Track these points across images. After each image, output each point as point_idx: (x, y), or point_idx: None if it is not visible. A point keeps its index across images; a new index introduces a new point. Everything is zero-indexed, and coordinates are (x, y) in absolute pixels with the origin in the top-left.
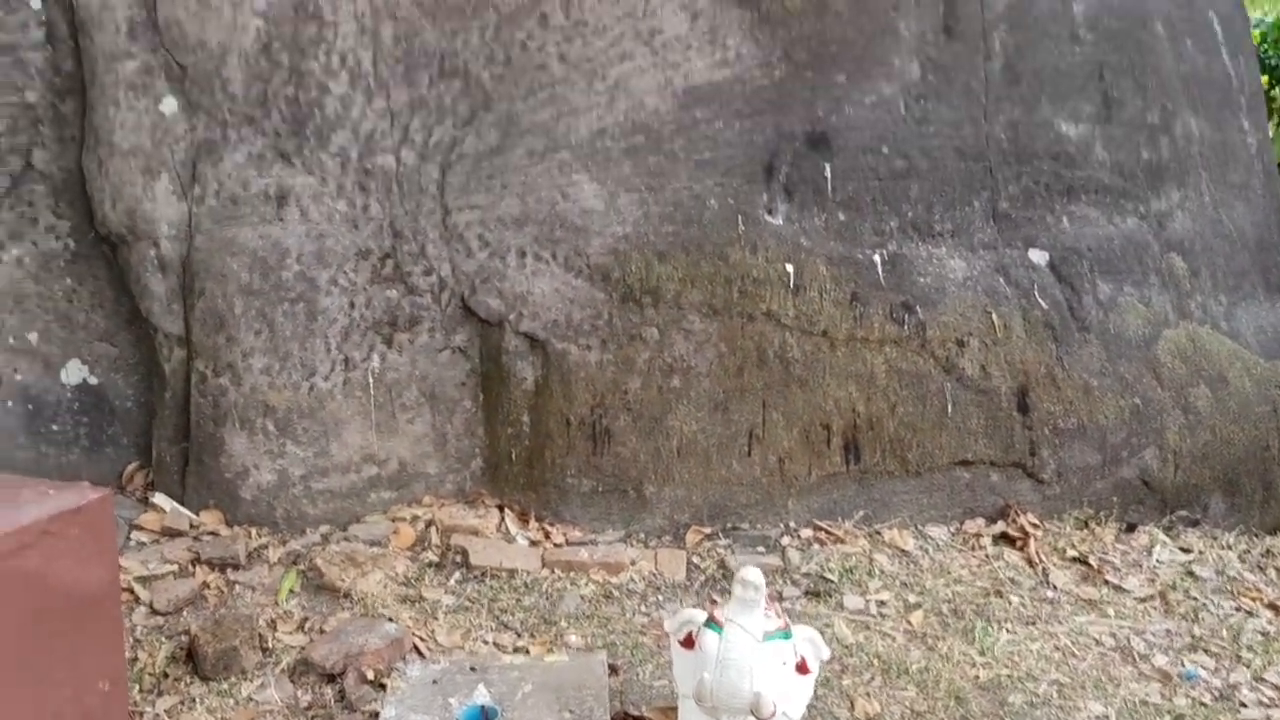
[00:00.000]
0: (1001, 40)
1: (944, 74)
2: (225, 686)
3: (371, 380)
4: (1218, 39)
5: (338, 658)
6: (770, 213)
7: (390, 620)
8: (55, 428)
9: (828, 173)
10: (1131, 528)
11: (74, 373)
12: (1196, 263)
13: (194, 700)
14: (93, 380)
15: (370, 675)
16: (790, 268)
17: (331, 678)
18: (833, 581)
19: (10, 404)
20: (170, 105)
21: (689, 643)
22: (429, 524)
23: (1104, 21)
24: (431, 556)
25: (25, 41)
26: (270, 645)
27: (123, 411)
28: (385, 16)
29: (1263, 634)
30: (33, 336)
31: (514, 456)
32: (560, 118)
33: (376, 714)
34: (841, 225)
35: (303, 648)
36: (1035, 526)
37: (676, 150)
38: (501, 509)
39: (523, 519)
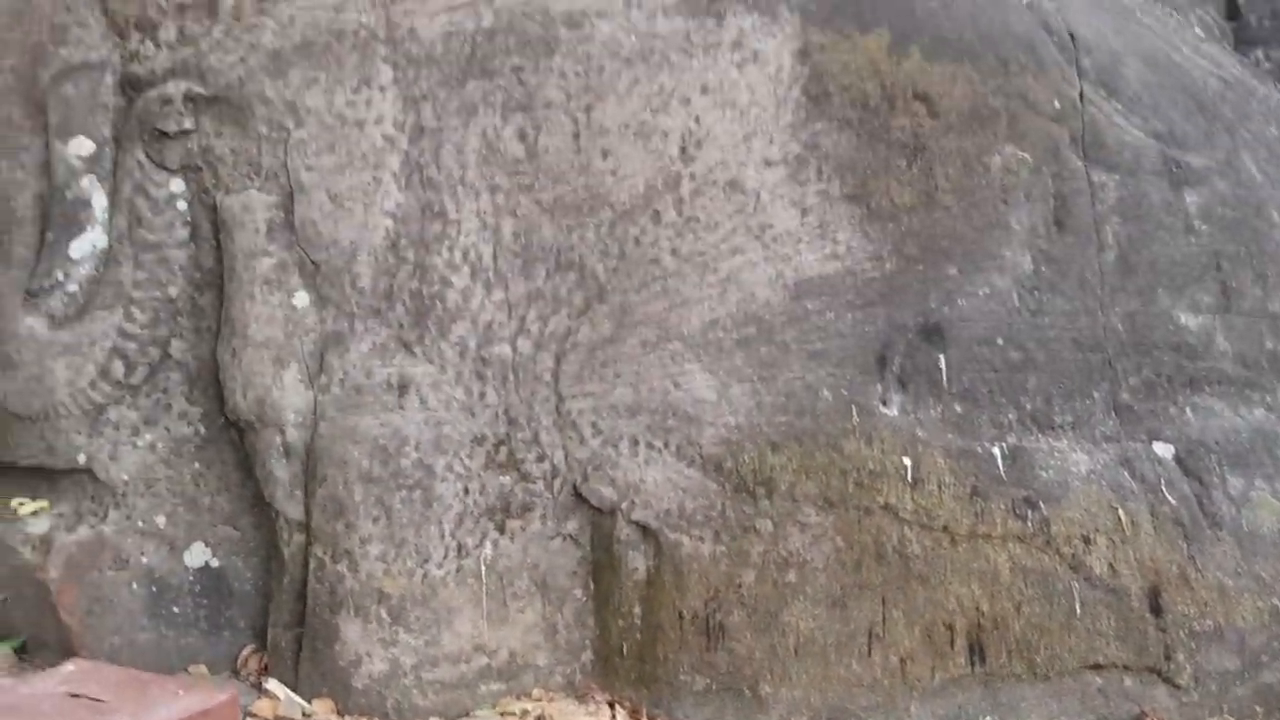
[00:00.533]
0: (1114, 232)
1: (1057, 266)
2: None
3: (484, 568)
4: None
5: None
6: (885, 404)
7: None
8: (176, 610)
9: (942, 364)
10: None
11: (197, 555)
12: None
13: None
14: (215, 563)
15: None
16: (907, 460)
17: None
18: None
19: (135, 585)
20: (302, 299)
21: None
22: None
23: (1217, 211)
24: None
25: (170, 240)
26: None
27: (241, 595)
28: (506, 214)
29: None
30: (160, 520)
31: (625, 650)
32: (673, 309)
33: None
34: (959, 417)
35: None
36: None
37: (788, 341)
38: (612, 705)
39: (634, 716)
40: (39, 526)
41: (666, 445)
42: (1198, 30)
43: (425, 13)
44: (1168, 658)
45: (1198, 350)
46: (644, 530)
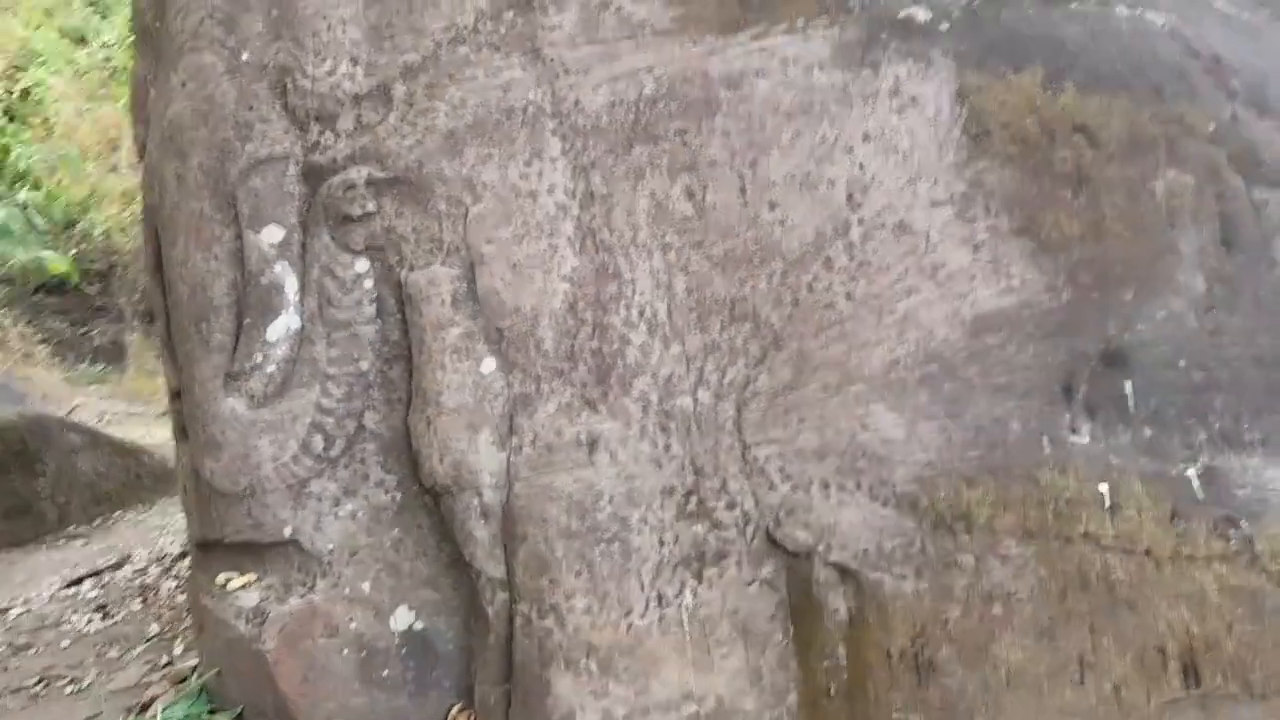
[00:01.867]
0: None
1: (1229, 285)
2: None
3: (685, 616)
4: None
5: None
6: (1075, 432)
7: None
8: (385, 673)
9: (1128, 390)
10: None
11: (401, 619)
12: None
13: None
14: (418, 626)
15: None
16: (1104, 487)
17: None
18: None
19: (346, 652)
20: (489, 365)
21: None
22: None
23: None
24: None
25: (359, 317)
26: None
27: (445, 655)
28: (678, 270)
29: None
30: (365, 586)
31: (832, 690)
32: (852, 351)
33: None
34: (1149, 441)
35: None
36: None
37: (972, 376)
38: None
39: None
40: (249, 600)
41: (859, 486)
42: None
43: (589, 85)
44: None
45: None
46: (843, 571)
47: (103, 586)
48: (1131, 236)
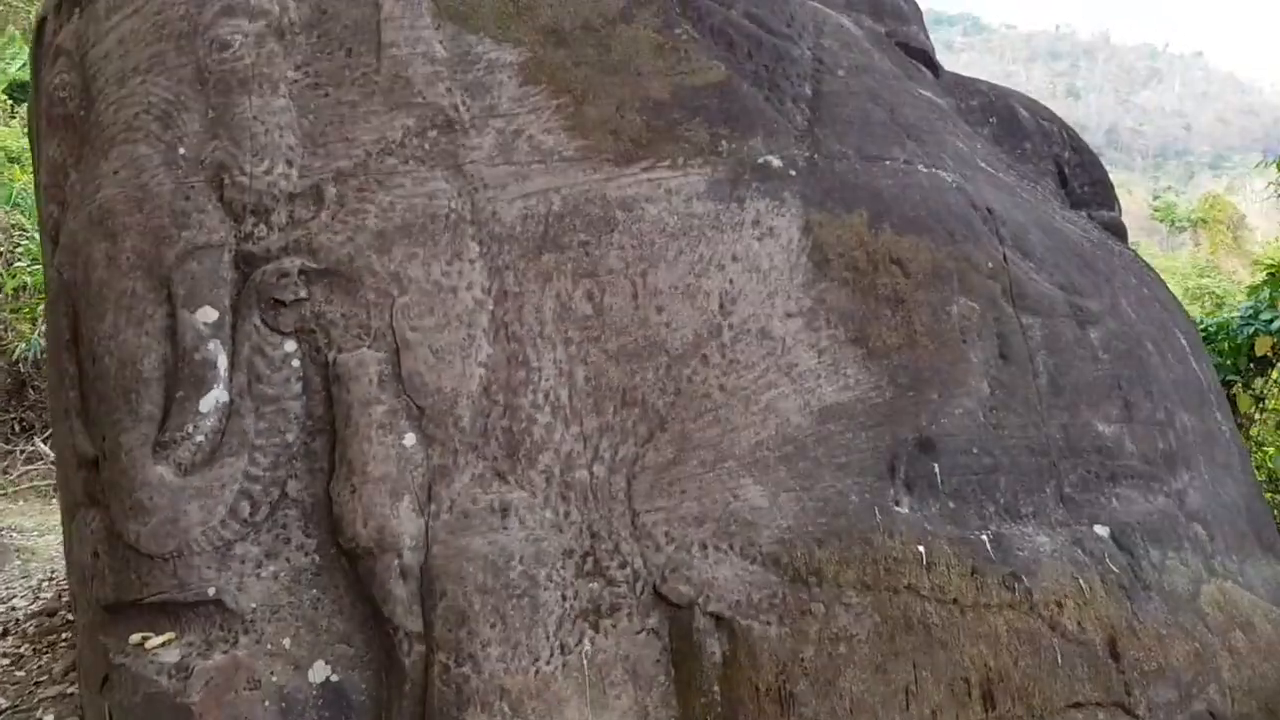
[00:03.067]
0: (1043, 361)
1: (1006, 390)
2: None
3: (585, 662)
4: (1185, 349)
5: None
6: (898, 504)
7: None
8: None
9: (936, 470)
10: None
11: (319, 672)
12: (1211, 529)
13: None
14: (334, 678)
15: None
16: (921, 548)
17: None
18: None
19: (267, 703)
20: (410, 439)
21: None
22: None
23: (1113, 344)
24: None
25: (287, 393)
26: None
27: (359, 705)
28: (578, 361)
29: None
30: (285, 641)
31: None
32: (724, 434)
33: None
34: (953, 512)
35: None
36: None
37: (819, 456)
38: None
39: None
40: (171, 656)
41: (731, 547)
42: (1054, 200)
43: (504, 199)
44: (1128, 694)
45: (1114, 452)
46: (718, 619)
47: None
48: (936, 348)
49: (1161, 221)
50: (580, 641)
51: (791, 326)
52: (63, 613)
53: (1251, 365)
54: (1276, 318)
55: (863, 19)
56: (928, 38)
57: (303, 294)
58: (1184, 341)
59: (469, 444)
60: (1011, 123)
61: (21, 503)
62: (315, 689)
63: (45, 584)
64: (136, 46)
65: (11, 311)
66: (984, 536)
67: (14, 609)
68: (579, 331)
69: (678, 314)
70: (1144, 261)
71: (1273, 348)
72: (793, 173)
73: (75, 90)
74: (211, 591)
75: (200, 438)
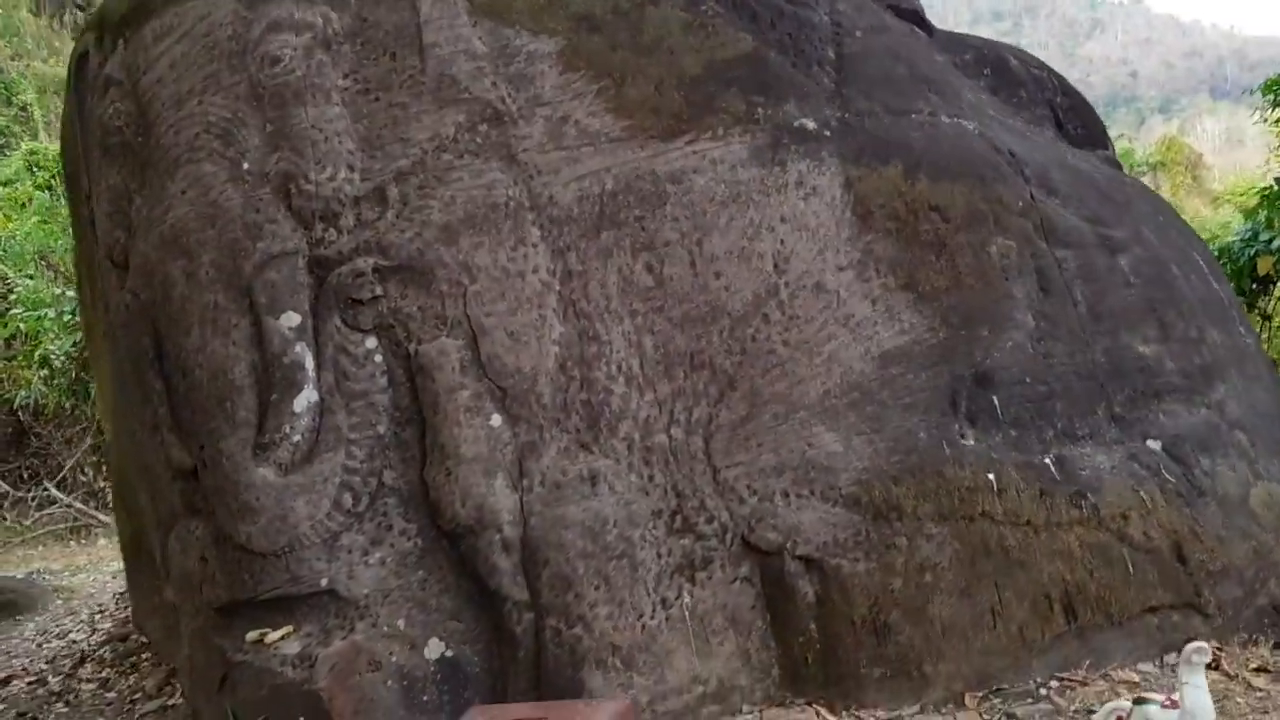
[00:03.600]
0: (1081, 290)
1: (1050, 321)
2: None
3: (686, 614)
4: (1205, 270)
5: None
6: (964, 437)
7: None
8: (425, 698)
9: (995, 402)
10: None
11: (434, 649)
12: (1252, 436)
13: None
14: (449, 654)
15: None
16: (991, 476)
17: None
18: (1095, 711)
19: (389, 683)
20: (496, 419)
21: None
22: None
23: (1142, 269)
24: None
25: (374, 388)
26: None
27: (474, 677)
28: (645, 332)
29: None
30: (400, 623)
31: (809, 660)
32: (792, 387)
33: None
34: (1015, 440)
35: None
36: (1219, 649)
37: (885, 399)
38: (811, 704)
39: (831, 709)
40: (292, 648)
41: (812, 492)
42: (1060, 141)
43: (559, 183)
44: (1197, 594)
45: (1155, 370)
46: (807, 562)
47: (2, 701)
48: (981, 287)
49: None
50: (679, 595)
51: (844, 279)
52: (133, 636)
53: (1255, 285)
54: (1275, 237)
55: None
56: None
57: (378, 291)
58: (1202, 262)
59: (552, 419)
60: (1005, 73)
61: (41, 548)
62: (432, 665)
63: (97, 616)
64: (189, 69)
65: (6, 359)
66: (1047, 460)
67: (75, 642)
68: (643, 303)
69: (735, 277)
70: (1153, 191)
71: (1274, 266)
72: (827, 133)
73: (130, 118)
74: (324, 582)
75: (297, 437)
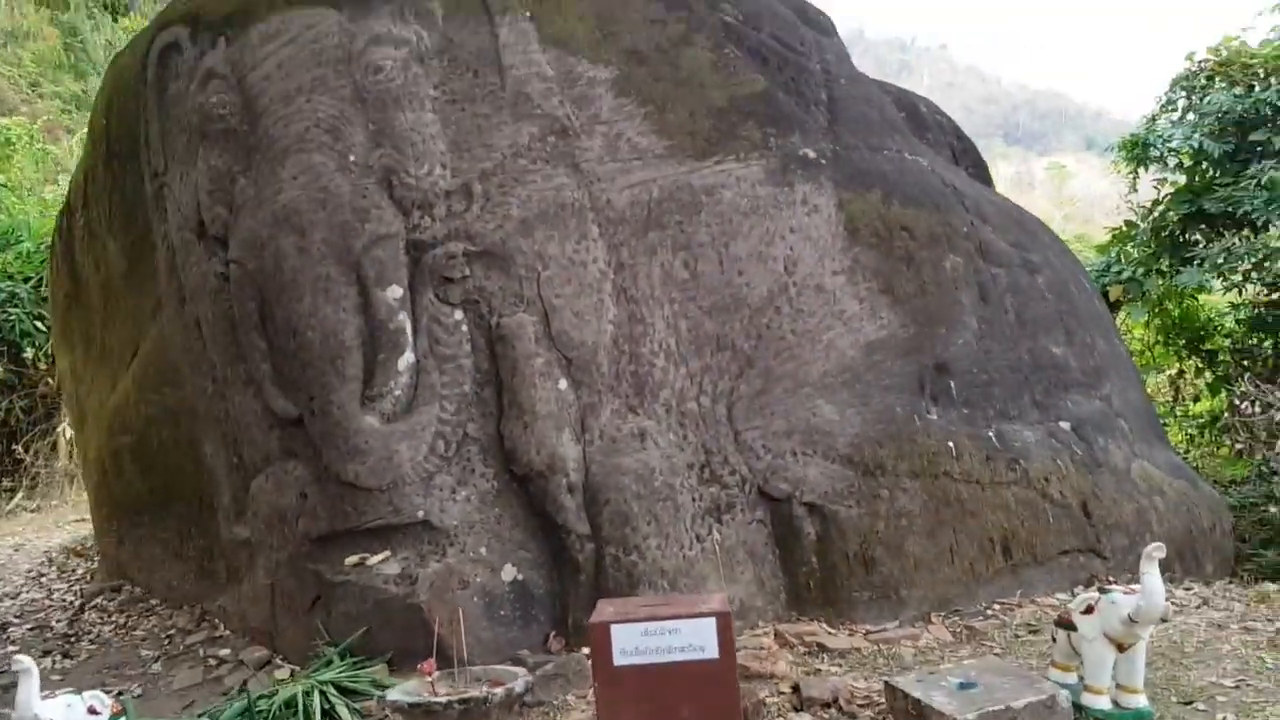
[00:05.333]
0: (1010, 301)
1: (989, 325)
2: None
3: (716, 547)
4: (1091, 291)
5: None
6: (929, 413)
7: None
8: (502, 612)
9: (952, 386)
10: None
11: (508, 573)
12: (1130, 424)
13: None
14: (520, 577)
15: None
16: (950, 444)
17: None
18: (1035, 628)
19: (475, 599)
20: (564, 384)
21: (1089, 611)
22: (781, 636)
23: (1053, 287)
24: (802, 650)
25: (461, 353)
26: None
27: (539, 598)
28: (681, 317)
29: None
30: (482, 550)
31: (810, 586)
32: (799, 368)
33: None
34: (966, 416)
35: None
36: (1113, 582)
37: (871, 380)
38: (813, 620)
39: (829, 623)
40: (392, 569)
41: (815, 452)
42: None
43: (615, 189)
44: (1098, 541)
45: (1064, 367)
46: (810, 507)
47: (13, 643)
48: (939, 294)
49: None
50: (710, 532)
51: (838, 281)
52: (125, 587)
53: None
54: (1124, 269)
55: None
56: (843, 47)
57: (466, 271)
58: (1087, 285)
59: (608, 385)
60: (918, 116)
61: None
62: (507, 586)
63: (42, 578)
64: (297, 70)
65: None
66: (990, 433)
67: (52, 593)
68: (680, 292)
69: (754, 275)
70: (1046, 224)
71: (1123, 292)
72: (824, 161)
73: (235, 108)
74: (421, 514)
75: (399, 391)
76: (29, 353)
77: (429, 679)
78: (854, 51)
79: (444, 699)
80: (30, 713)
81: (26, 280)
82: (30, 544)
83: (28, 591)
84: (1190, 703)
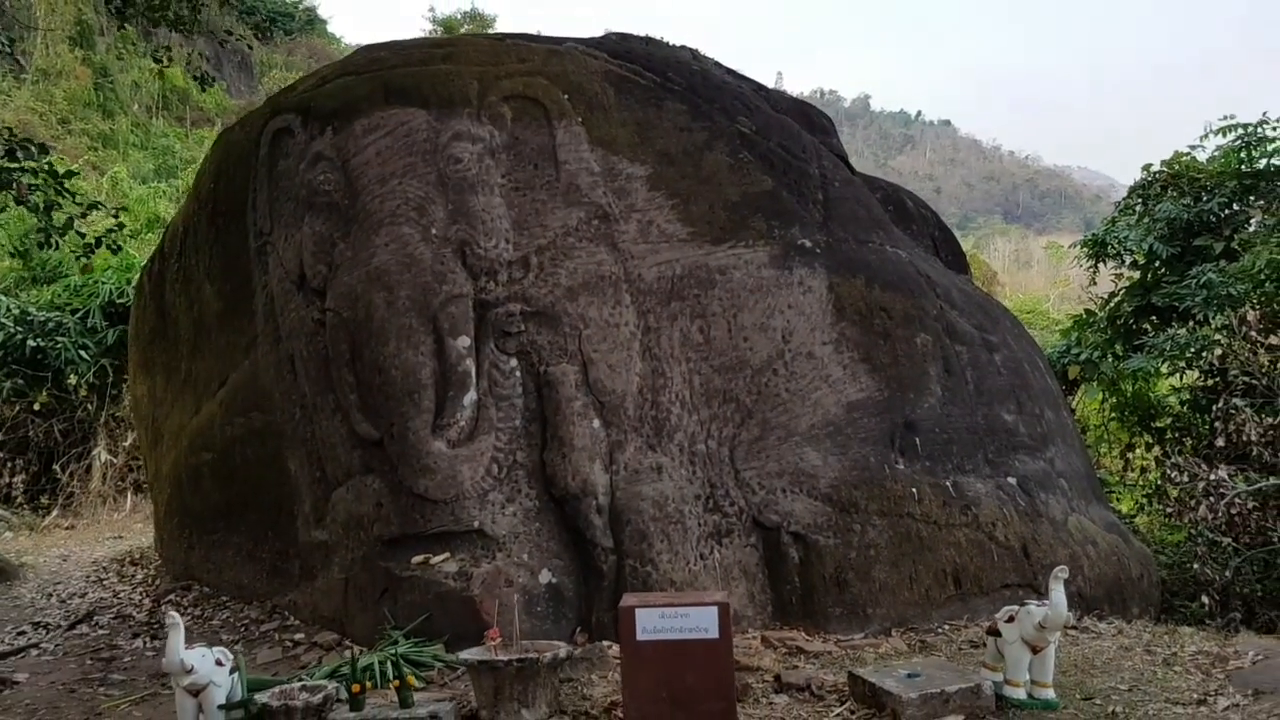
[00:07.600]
0: (970, 374)
1: (951, 393)
2: None
3: (716, 565)
4: (1043, 369)
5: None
6: (897, 463)
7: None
8: (538, 609)
9: (917, 442)
10: (1081, 617)
11: (545, 577)
12: (1069, 483)
13: None
14: (554, 580)
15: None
16: (914, 490)
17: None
18: (976, 645)
19: (517, 596)
20: (596, 424)
21: (1011, 620)
22: (766, 640)
23: (1008, 363)
24: (783, 651)
25: (514, 394)
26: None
27: (569, 599)
28: (694, 373)
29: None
30: (525, 556)
31: (793, 601)
32: (791, 420)
33: None
34: (929, 468)
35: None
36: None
37: (850, 433)
38: (794, 629)
39: (808, 632)
40: (451, 568)
41: (801, 490)
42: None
43: (645, 266)
44: (1035, 578)
45: (1014, 432)
46: (795, 536)
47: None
48: (910, 365)
49: None
50: (712, 552)
51: (826, 350)
52: (195, 586)
53: (1066, 386)
54: (1081, 352)
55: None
56: (840, 144)
57: (521, 327)
58: (1041, 363)
59: (632, 427)
60: (903, 210)
61: None
62: (543, 587)
63: (94, 581)
64: (392, 158)
65: None
66: (948, 483)
67: (118, 593)
68: (694, 353)
69: (756, 342)
70: (1008, 309)
71: (1080, 373)
72: (818, 250)
73: (338, 185)
74: (476, 524)
75: (463, 423)
76: (72, 380)
77: (493, 644)
78: (860, 124)
79: (506, 658)
80: (178, 658)
81: (75, 312)
82: (75, 555)
83: (94, 592)
84: (1090, 698)
